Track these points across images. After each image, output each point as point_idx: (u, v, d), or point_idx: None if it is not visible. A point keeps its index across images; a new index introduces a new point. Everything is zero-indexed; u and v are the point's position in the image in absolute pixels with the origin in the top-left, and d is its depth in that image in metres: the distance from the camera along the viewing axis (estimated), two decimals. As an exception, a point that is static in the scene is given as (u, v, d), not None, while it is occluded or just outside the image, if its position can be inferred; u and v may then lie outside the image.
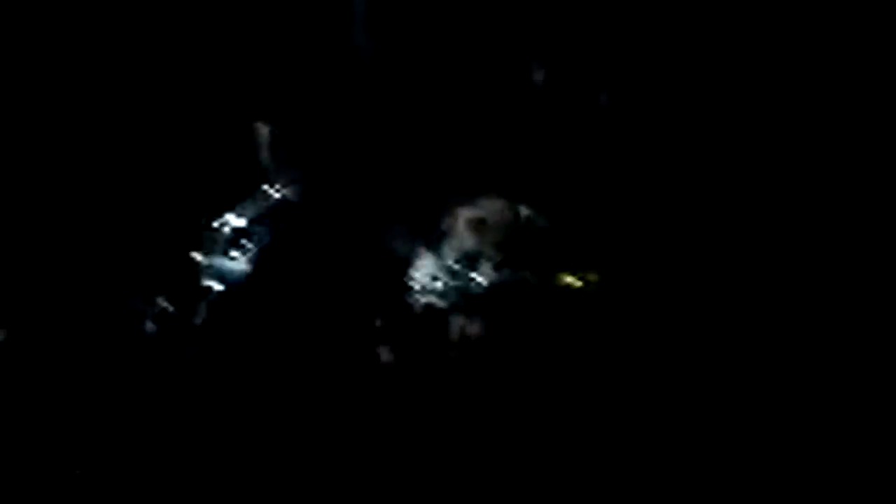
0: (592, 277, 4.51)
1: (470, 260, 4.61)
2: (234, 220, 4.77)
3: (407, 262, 4.65)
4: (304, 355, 3.89)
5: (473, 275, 4.57)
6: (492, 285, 4.47)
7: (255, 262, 4.26)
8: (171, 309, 4.67)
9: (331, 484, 3.86)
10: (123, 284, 4.85)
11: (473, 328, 4.40)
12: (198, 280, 4.75)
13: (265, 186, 4.82)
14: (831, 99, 4.41)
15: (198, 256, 4.76)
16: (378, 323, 4.24)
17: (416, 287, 4.54)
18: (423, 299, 4.53)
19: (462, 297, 4.51)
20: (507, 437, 4.25)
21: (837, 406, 3.95)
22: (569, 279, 4.51)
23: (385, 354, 4.45)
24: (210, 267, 4.74)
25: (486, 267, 4.57)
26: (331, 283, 3.92)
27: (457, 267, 4.60)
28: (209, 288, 4.67)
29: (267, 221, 4.73)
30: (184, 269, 4.79)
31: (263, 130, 4.86)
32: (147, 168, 5.00)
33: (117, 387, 4.57)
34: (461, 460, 4.17)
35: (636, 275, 4.52)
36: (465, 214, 4.69)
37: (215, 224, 4.84)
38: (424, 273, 4.62)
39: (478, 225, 4.64)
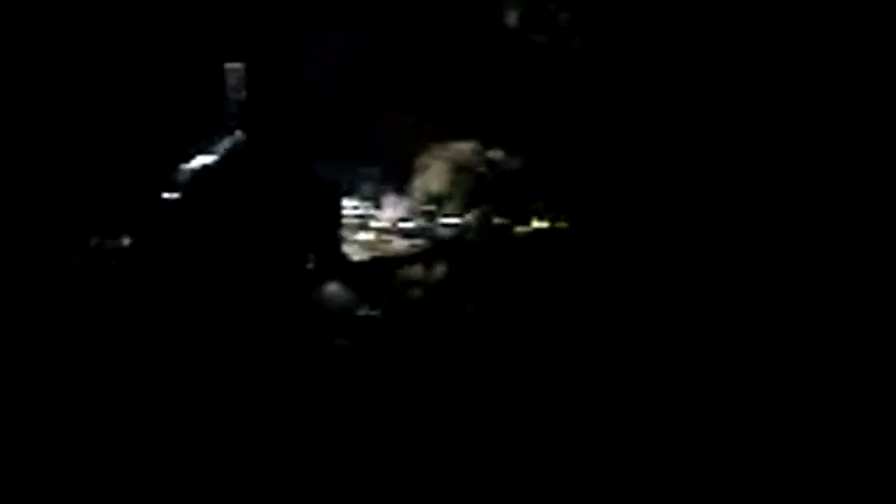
0: (561, 223, 4.46)
1: (439, 202, 4.57)
2: (204, 160, 4.74)
3: (376, 203, 4.62)
4: (252, 286, 3.83)
5: (442, 217, 4.53)
6: (459, 227, 4.41)
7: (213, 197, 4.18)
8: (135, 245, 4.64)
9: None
10: (91, 223, 4.82)
11: (438, 269, 4.34)
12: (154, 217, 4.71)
13: (236, 129, 4.79)
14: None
15: (167, 195, 4.72)
16: (341, 263, 4.17)
17: (383, 227, 4.49)
18: (389, 239, 4.49)
19: (429, 239, 4.46)
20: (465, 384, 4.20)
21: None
22: (537, 224, 4.46)
23: (335, 296, 4.40)
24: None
25: (454, 209, 4.53)
26: (291, 221, 3.85)
27: (426, 208, 4.57)
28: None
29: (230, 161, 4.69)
30: (153, 207, 4.76)
31: (234, 72, 4.83)
32: (118, 108, 4.98)
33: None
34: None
35: (606, 221, 4.47)
36: (436, 157, 4.66)
37: (187, 165, 4.82)
38: (392, 213, 4.59)
39: (449, 168, 4.61)
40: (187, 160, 4.82)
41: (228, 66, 4.87)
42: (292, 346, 3.92)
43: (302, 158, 3.76)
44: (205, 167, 4.32)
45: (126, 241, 4.70)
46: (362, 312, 4.32)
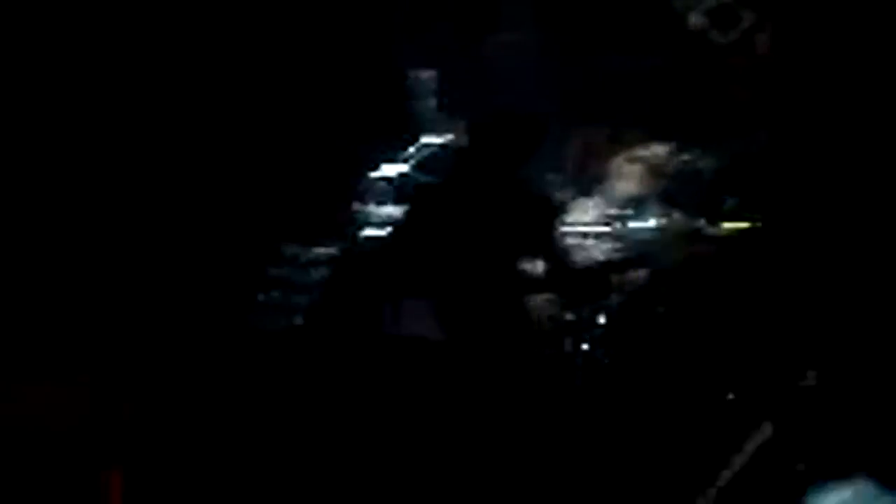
0: (752, 223, 4.45)
1: (633, 205, 4.59)
2: (396, 168, 4.82)
3: (568, 208, 4.64)
4: (456, 300, 3.90)
5: (636, 221, 4.54)
6: (654, 231, 4.42)
7: (411, 205, 4.26)
8: (326, 255, 4.75)
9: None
10: (282, 233, 4.93)
11: (634, 273, 4.37)
12: (358, 228, 4.81)
13: (426, 136, 4.87)
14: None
15: (359, 206, 4.81)
16: (538, 268, 4.21)
17: (578, 231, 4.51)
18: (584, 243, 4.51)
19: (624, 243, 4.48)
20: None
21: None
22: (730, 225, 4.45)
23: (542, 301, 4.44)
24: (371, 215, 4.80)
25: (648, 212, 4.53)
26: (488, 228, 3.91)
27: (619, 212, 4.58)
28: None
29: (427, 168, 4.77)
30: (343, 219, 4.85)
31: (425, 78, 4.88)
32: (306, 119, 5.06)
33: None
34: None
35: (800, 222, 4.44)
36: (629, 160, 4.67)
37: (376, 174, 4.89)
38: (585, 218, 4.61)
39: (643, 170, 4.61)
40: (376, 168, 4.90)
41: (418, 73, 4.92)
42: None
43: (520, 171, 3.83)
44: (426, 185, 4.38)
45: (322, 251, 4.81)
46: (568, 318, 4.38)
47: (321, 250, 4.85)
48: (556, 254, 3.92)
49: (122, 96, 4.65)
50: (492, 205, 3.88)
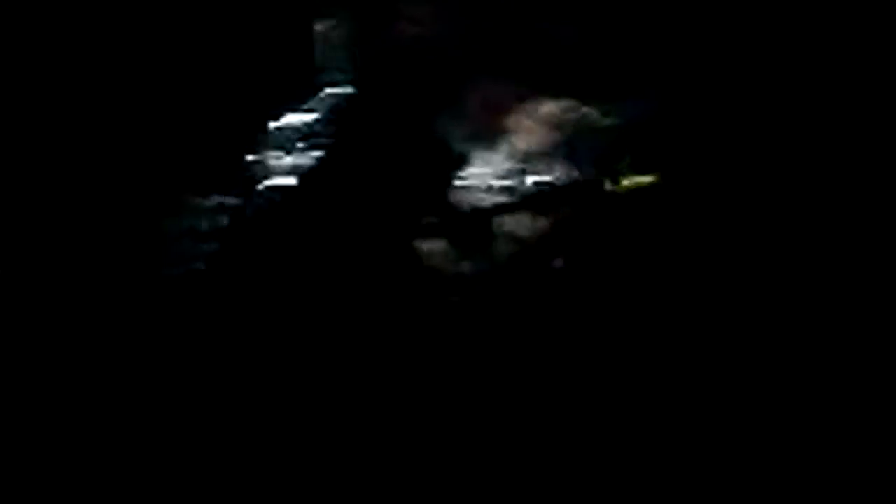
0: (652, 180, 4.46)
1: (528, 159, 4.59)
2: (302, 117, 4.80)
3: (463, 160, 4.64)
4: (350, 245, 3.92)
5: (531, 176, 4.54)
6: (549, 185, 4.42)
7: (324, 157, 4.28)
8: (226, 203, 4.73)
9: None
10: (179, 182, 4.90)
11: (524, 228, 4.37)
12: (262, 177, 4.79)
13: (327, 87, 4.84)
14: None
15: (263, 154, 4.80)
16: (429, 219, 4.24)
17: (472, 185, 4.52)
18: (478, 197, 4.52)
19: (517, 197, 4.49)
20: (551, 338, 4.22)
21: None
22: (627, 181, 4.45)
23: (434, 252, 4.45)
24: (273, 164, 4.79)
25: (544, 167, 4.53)
26: (386, 179, 3.93)
27: (515, 166, 4.58)
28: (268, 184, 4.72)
29: (334, 118, 4.75)
30: (243, 166, 4.83)
31: (319, 28, 4.86)
32: (204, 65, 5.01)
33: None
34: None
35: (697, 178, 4.44)
36: (526, 113, 4.66)
37: (278, 123, 4.87)
38: (481, 171, 4.61)
39: (538, 124, 4.61)
40: (277, 118, 4.87)
41: (320, 21, 4.89)
42: (401, 303, 4.02)
43: (416, 115, 3.84)
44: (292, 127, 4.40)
45: (219, 200, 4.79)
46: (463, 269, 4.38)
47: (224, 199, 4.83)
48: (448, 201, 3.94)
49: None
50: (386, 152, 3.90)
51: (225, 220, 4.81)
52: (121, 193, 4.76)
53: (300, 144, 4.79)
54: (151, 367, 4.30)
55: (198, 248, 4.81)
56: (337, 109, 4.84)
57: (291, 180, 4.71)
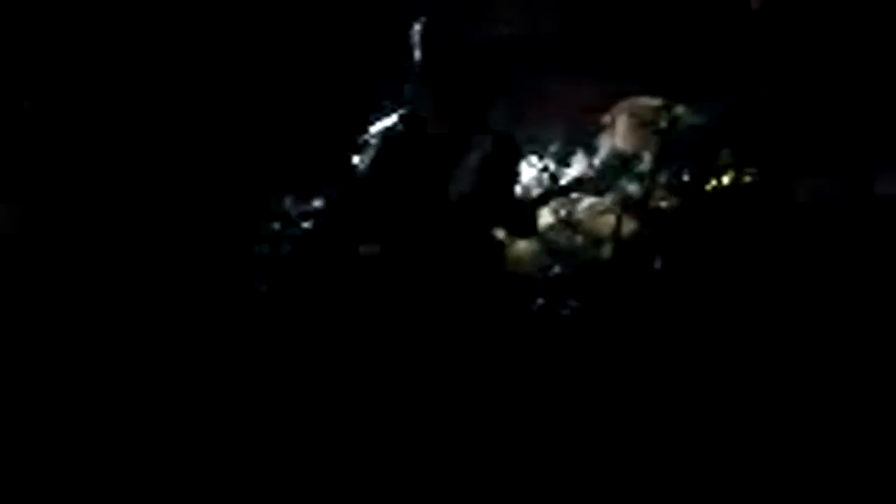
0: (749, 177, 4.44)
1: (626, 159, 4.58)
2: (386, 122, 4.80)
3: (561, 161, 4.65)
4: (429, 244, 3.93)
5: (625, 173, 4.53)
6: (647, 184, 4.41)
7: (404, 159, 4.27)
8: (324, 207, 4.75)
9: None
10: (280, 185, 4.93)
11: (628, 226, 4.36)
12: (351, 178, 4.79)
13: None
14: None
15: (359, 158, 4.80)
16: (521, 220, 4.24)
17: (568, 185, 4.52)
18: (573, 197, 4.52)
19: (615, 197, 4.48)
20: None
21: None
22: (725, 178, 4.44)
23: (526, 252, 4.46)
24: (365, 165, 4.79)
25: (642, 165, 4.53)
26: (474, 180, 3.94)
27: (612, 165, 4.58)
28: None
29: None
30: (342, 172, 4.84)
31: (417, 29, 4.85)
32: (308, 68, 5.02)
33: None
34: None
35: (788, 175, 4.42)
36: (621, 114, 4.66)
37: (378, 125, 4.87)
38: (578, 170, 4.62)
39: (635, 124, 4.61)
40: (378, 120, 4.88)
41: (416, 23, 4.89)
42: (492, 304, 4.02)
43: (479, 115, 3.86)
44: (383, 131, 4.41)
45: (316, 204, 4.82)
46: (556, 270, 4.39)
47: (318, 203, 4.86)
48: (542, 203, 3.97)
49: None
50: (451, 147, 3.93)
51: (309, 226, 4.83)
52: (221, 196, 4.79)
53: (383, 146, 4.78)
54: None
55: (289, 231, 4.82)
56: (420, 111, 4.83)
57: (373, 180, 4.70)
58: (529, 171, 4.64)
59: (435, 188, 4.00)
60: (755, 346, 4.10)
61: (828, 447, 3.60)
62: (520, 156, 4.22)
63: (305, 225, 4.80)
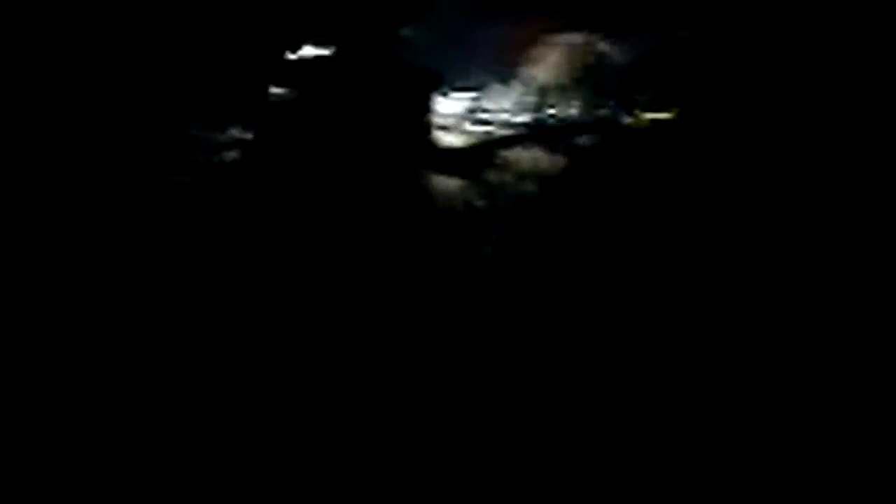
0: (669, 115, 4.46)
1: (548, 93, 4.57)
2: (317, 51, 4.73)
3: (483, 94, 4.62)
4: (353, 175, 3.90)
5: (551, 110, 4.53)
6: (566, 118, 4.41)
7: (333, 89, 4.23)
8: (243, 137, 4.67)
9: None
10: (194, 113, 4.84)
11: (544, 163, 4.36)
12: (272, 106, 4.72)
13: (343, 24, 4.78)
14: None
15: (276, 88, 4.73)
16: (444, 154, 4.22)
17: (491, 119, 4.50)
18: (497, 132, 4.50)
19: (537, 131, 4.47)
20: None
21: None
22: (646, 115, 4.46)
23: (450, 187, 4.43)
24: (288, 95, 4.72)
25: (561, 100, 4.52)
26: (398, 114, 3.90)
27: (534, 100, 4.56)
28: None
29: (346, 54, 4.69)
30: (259, 99, 4.76)
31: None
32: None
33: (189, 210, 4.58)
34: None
35: (713, 113, 4.45)
36: (545, 47, 4.65)
37: (296, 55, 4.80)
38: (497, 105, 4.59)
39: (557, 59, 4.60)
40: (295, 50, 4.80)
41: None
42: (400, 235, 4.00)
43: (393, 44, 3.84)
44: (303, 61, 4.36)
45: (233, 133, 4.73)
46: (480, 205, 4.36)
47: (234, 133, 4.77)
48: (465, 136, 3.94)
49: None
50: (372, 79, 3.89)
51: (235, 156, 4.76)
52: (141, 109, 4.69)
53: (309, 77, 4.72)
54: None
55: (208, 160, 4.74)
56: (348, 44, 4.78)
57: (298, 109, 4.65)
58: (455, 108, 4.62)
59: (354, 118, 3.96)
60: (676, 281, 4.14)
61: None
62: (436, 88, 4.20)
63: (226, 154, 4.72)
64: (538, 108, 4.50)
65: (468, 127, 4.53)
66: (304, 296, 3.86)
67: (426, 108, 4.14)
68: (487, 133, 4.54)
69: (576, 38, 4.61)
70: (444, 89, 4.52)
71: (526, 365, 3.71)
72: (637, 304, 3.94)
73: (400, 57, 4.10)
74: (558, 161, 4.39)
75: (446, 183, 4.50)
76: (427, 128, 4.14)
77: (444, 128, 4.48)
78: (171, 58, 4.79)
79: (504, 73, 4.69)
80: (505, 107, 4.59)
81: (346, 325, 3.77)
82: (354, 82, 4.04)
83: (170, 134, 4.75)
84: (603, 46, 4.49)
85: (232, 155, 4.70)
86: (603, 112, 4.47)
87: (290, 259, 4.00)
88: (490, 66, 4.72)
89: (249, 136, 4.68)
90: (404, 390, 3.56)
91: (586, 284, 4.07)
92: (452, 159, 4.32)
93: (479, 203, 4.46)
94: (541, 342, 3.79)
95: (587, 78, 4.42)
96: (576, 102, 4.40)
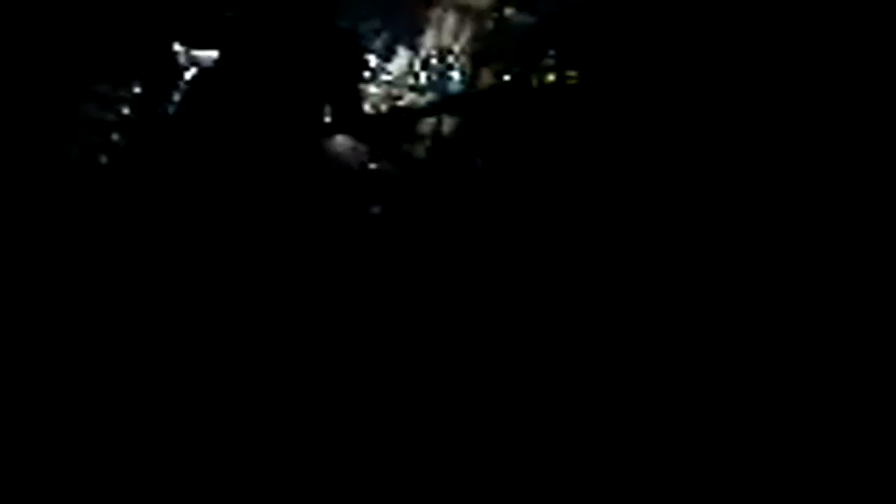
0: (571, 76, 4.45)
1: (449, 55, 4.55)
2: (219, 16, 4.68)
3: (384, 57, 4.59)
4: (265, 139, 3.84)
5: (454, 72, 4.50)
6: (468, 81, 4.39)
7: (237, 54, 4.17)
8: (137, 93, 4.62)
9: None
10: (99, 72, 4.77)
11: (445, 126, 4.34)
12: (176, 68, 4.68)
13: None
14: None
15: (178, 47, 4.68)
16: (347, 118, 4.18)
17: (393, 81, 4.47)
18: (399, 94, 4.47)
19: (439, 93, 4.45)
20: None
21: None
22: (549, 77, 4.44)
23: (352, 151, 4.41)
24: (191, 56, 4.68)
25: (466, 63, 4.50)
26: (301, 72, 3.85)
27: (434, 62, 4.54)
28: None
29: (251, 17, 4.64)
30: (165, 58, 4.71)
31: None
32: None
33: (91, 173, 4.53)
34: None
35: (615, 74, 4.45)
36: (448, 11, 4.62)
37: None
38: (400, 66, 4.57)
39: (461, 21, 4.57)
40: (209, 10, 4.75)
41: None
42: (306, 199, 3.96)
43: (321, 11, 3.76)
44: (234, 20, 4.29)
45: (136, 89, 4.68)
46: (374, 166, 4.34)
47: (136, 90, 4.72)
48: (357, 97, 3.89)
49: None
50: (298, 45, 3.82)
51: (132, 112, 4.71)
52: (33, 77, 4.60)
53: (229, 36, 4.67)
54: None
55: (105, 137, 4.70)
56: (253, 8, 4.73)
57: (203, 73, 4.59)
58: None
59: (278, 83, 3.90)
60: (572, 247, 4.13)
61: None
62: (364, 52, 4.14)
63: (125, 111, 4.67)
64: (443, 72, 4.47)
65: (374, 90, 4.49)
66: (198, 255, 3.82)
67: (355, 74, 4.07)
68: (391, 97, 4.52)
69: (479, 1, 4.59)
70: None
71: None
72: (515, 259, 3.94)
73: (322, 17, 4.03)
74: (460, 124, 4.37)
75: (346, 146, 4.48)
76: (355, 94, 4.08)
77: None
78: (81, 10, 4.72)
79: (407, 36, 4.67)
80: (411, 70, 4.57)
81: (239, 280, 3.74)
82: (278, 43, 3.97)
83: (70, 87, 4.67)
84: (506, 9, 4.46)
85: (130, 112, 4.65)
86: (508, 74, 4.46)
87: (180, 226, 3.94)
88: (393, 28, 4.69)
89: (146, 92, 4.63)
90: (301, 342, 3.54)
91: (464, 234, 4.07)
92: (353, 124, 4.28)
93: (378, 166, 4.44)
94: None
95: (490, 40, 4.39)
96: (478, 65, 4.37)
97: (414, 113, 4.24)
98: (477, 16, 4.47)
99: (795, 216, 3.65)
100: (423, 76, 4.43)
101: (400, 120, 4.17)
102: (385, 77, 4.54)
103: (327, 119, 3.88)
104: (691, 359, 3.73)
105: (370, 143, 4.23)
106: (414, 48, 4.54)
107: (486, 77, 4.46)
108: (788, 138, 3.86)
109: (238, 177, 3.81)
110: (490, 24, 4.45)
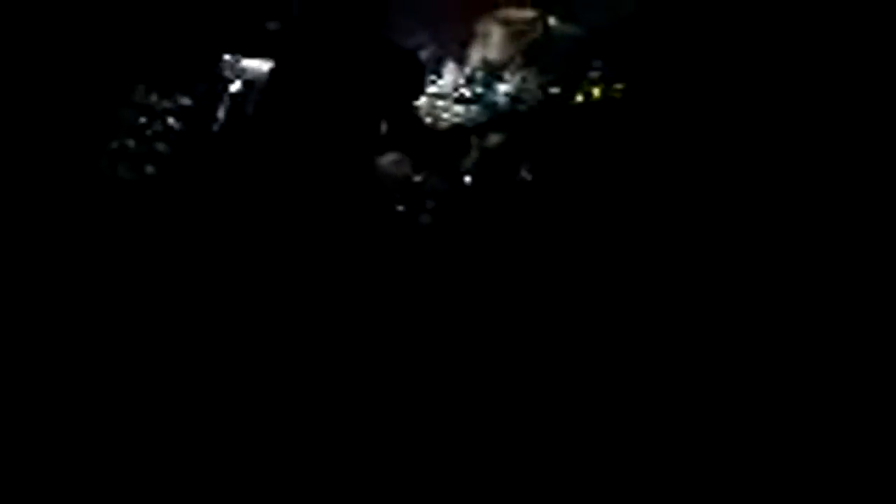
0: (617, 90, 4.46)
1: (496, 69, 4.56)
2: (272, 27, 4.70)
3: (433, 72, 4.61)
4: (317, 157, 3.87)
5: (499, 85, 4.52)
6: (516, 96, 4.41)
7: (287, 67, 4.19)
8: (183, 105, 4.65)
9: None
10: (143, 79, 4.81)
11: (493, 140, 4.36)
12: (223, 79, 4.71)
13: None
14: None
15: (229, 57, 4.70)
16: (396, 133, 4.20)
17: (441, 95, 4.49)
18: (447, 105, 4.49)
19: (485, 106, 4.47)
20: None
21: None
22: (595, 90, 4.45)
23: (400, 165, 4.43)
24: (240, 67, 4.71)
25: (511, 77, 4.51)
26: (351, 87, 3.87)
27: (481, 76, 4.56)
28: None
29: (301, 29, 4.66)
30: (214, 70, 4.74)
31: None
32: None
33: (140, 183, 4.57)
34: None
35: (661, 88, 4.45)
36: (494, 23, 4.64)
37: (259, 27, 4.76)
38: (449, 80, 4.58)
39: (507, 34, 4.59)
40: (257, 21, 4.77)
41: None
42: (354, 211, 3.98)
43: (377, 26, 3.78)
44: (286, 32, 4.31)
45: (183, 101, 4.71)
46: (418, 178, 4.37)
47: (182, 100, 4.75)
48: (413, 114, 3.91)
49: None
50: (352, 60, 3.84)
51: (179, 123, 4.74)
52: (79, 87, 4.64)
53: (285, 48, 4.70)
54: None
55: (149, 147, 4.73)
56: (304, 20, 4.75)
57: (252, 86, 4.64)
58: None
59: (335, 99, 3.90)
60: (625, 259, 4.15)
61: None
62: (424, 72, 4.14)
63: (171, 121, 4.70)
64: (489, 84, 4.49)
65: (421, 103, 4.52)
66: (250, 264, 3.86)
67: (413, 91, 4.07)
68: (438, 109, 4.54)
69: (525, 12, 4.60)
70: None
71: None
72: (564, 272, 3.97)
73: (382, 34, 4.05)
74: (508, 138, 4.39)
75: (396, 161, 4.50)
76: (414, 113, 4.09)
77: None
78: (124, 19, 4.75)
79: (453, 49, 4.69)
80: (457, 84, 4.58)
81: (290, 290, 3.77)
82: (333, 58, 3.97)
83: (117, 96, 4.71)
84: (552, 21, 4.48)
85: (177, 123, 4.69)
86: (553, 89, 4.47)
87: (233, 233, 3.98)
88: (438, 40, 4.71)
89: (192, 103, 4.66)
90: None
91: (512, 248, 4.09)
92: (402, 139, 4.30)
93: (430, 182, 4.46)
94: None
95: (535, 53, 4.41)
96: (526, 79, 4.40)
97: (466, 130, 4.28)
98: (521, 29, 4.48)
99: (816, 221, 3.66)
100: (468, 89, 4.44)
101: (453, 136, 4.19)
102: (432, 89, 4.56)
103: (382, 134, 3.91)
104: (704, 359, 3.75)
105: (420, 156, 4.27)
106: (461, 61, 4.55)
107: (533, 90, 4.48)
108: (837, 158, 3.86)
109: (293, 188, 3.85)
110: (535, 37, 4.46)
